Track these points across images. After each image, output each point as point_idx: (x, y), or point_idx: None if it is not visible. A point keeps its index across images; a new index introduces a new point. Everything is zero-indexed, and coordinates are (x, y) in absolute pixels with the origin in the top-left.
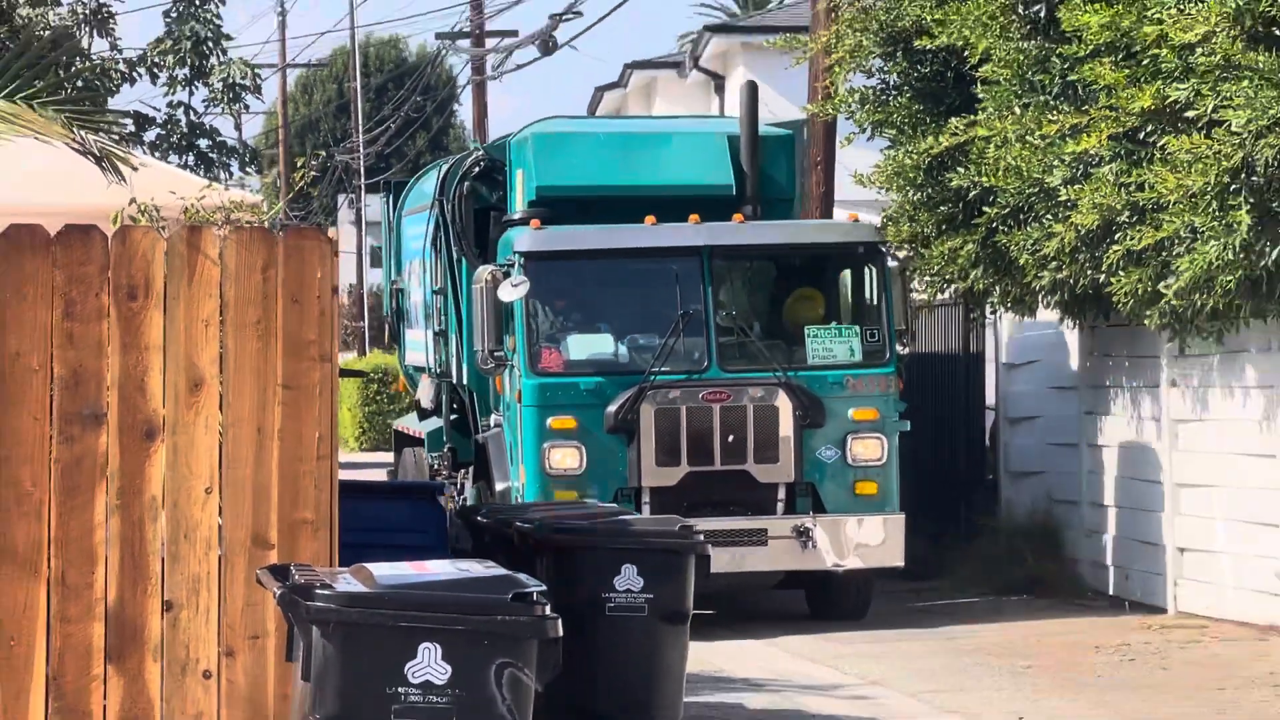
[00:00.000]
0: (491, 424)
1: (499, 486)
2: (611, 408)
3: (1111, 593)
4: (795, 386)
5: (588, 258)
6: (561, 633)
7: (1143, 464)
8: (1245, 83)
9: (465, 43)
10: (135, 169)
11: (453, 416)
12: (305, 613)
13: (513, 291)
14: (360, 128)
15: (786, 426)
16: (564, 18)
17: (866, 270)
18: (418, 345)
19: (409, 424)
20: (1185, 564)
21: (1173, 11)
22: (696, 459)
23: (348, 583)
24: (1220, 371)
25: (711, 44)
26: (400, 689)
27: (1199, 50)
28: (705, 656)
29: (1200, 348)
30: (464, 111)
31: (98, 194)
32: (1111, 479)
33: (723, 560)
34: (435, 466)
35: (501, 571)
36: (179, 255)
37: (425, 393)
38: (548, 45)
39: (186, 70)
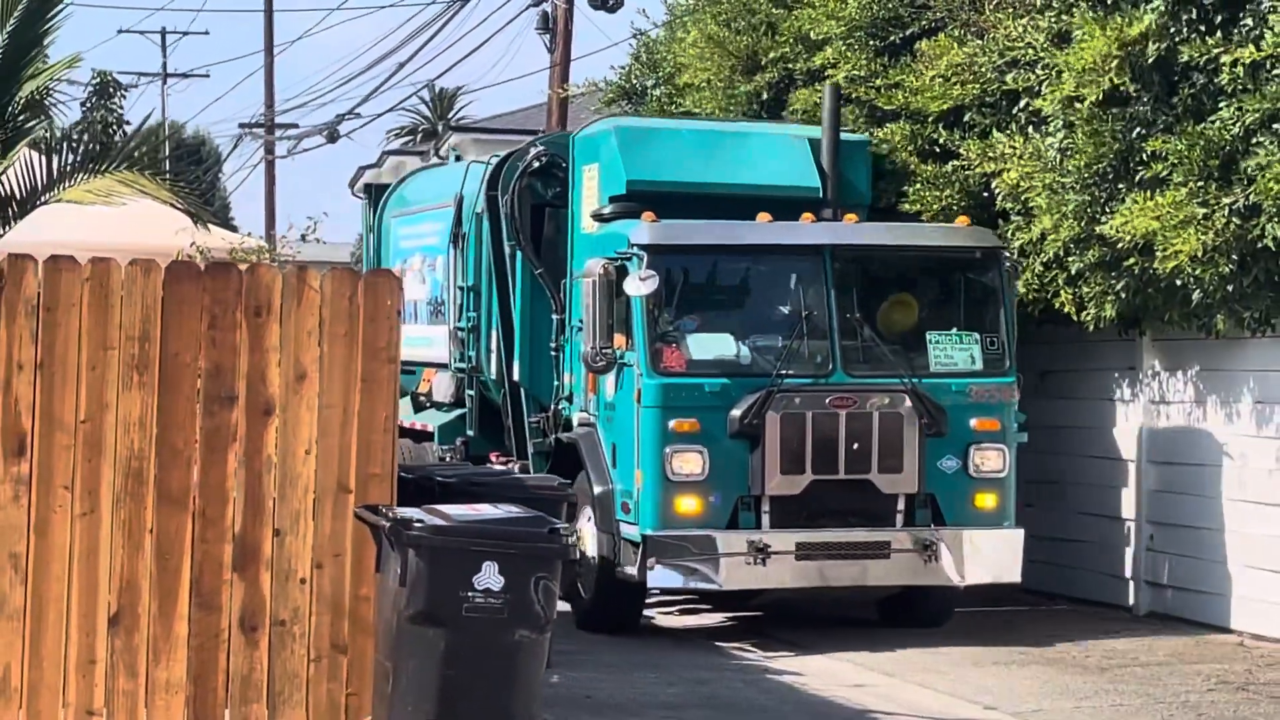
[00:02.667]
0: (577, 424)
1: (598, 490)
2: (736, 411)
3: None
4: (921, 394)
5: (709, 253)
6: (579, 555)
7: None
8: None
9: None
10: (218, 222)
11: (461, 411)
12: (405, 539)
13: (640, 286)
14: None
15: (911, 435)
16: (346, 117)
17: (985, 276)
18: (418, 341)
19: (400, 416)
20: None
21: None
22: (821, 467)
23: (431, 518)
24: None
25: (451, 138)
26: (469, 593)
27: None
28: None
29: None
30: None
31: (166, 237)
32: None
33: (847, 574)
34: (446, 458)
35: (536, 513)
36: (291, 285)
37: (441, 388)
38: (333, 136)
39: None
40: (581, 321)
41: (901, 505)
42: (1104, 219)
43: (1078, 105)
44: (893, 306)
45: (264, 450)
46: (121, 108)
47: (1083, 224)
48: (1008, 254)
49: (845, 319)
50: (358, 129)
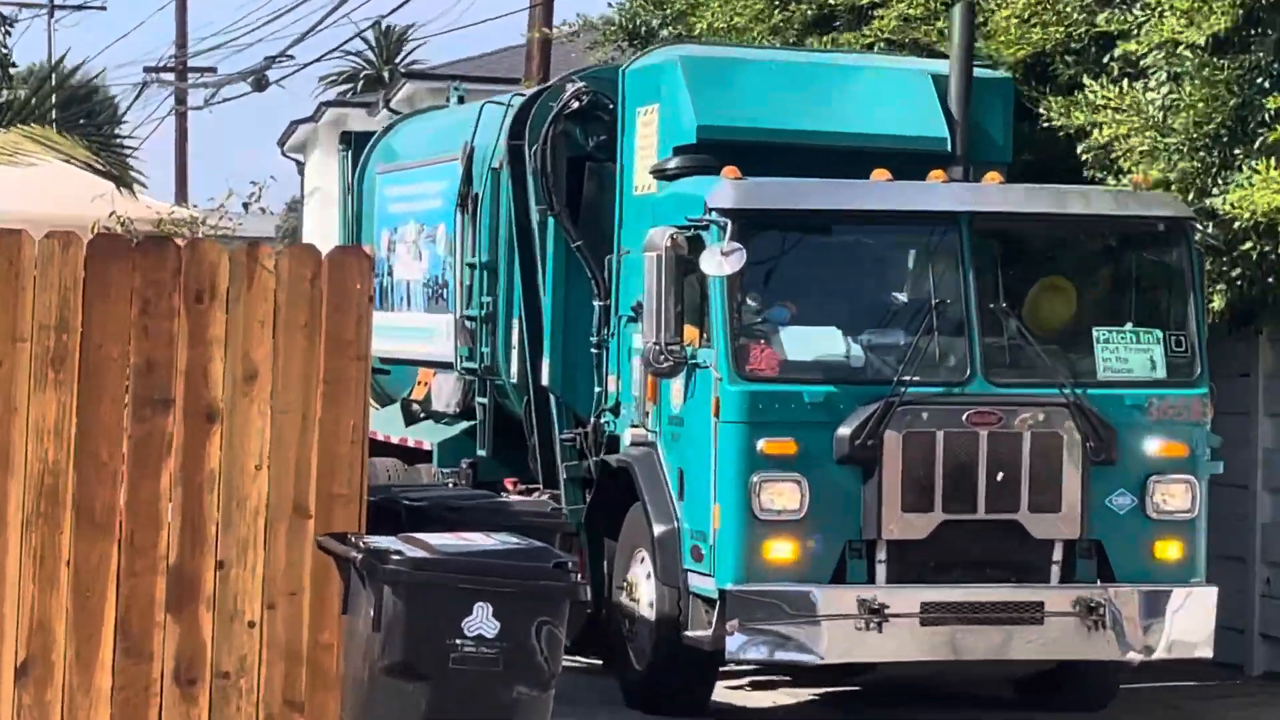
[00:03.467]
0: (629, 443)
1: (659, 530)
2: (846, 429)
3: None
4: (1086, 409)
5: (813, 221)
6: (589, 596)
7: None
8: None
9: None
10: (145, 187)
11: (469, 423)
12: (381, 574)
13: (723, 263)
14: None
15: (1073, 463)
16: (276, 60)
17: (1169, 256)
18: (412, 333)
19: (385, 429)
20: None
21: None
22: (955, 504)
23: (412, 550)
24: None
25: (405, 87)
26: (458, 640)
27: None
28: None
29: None
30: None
31: (80, 206)
32: None
33: (985, 644)
34: (449, 484)
35: (539, 544)
36: (240, 265)
37: (443, 393)
38: (260, 83)
39: None
40: (635, 309)
41: (1059, 554)
42: (1216, 191)
43: (1184, 52)
44: (1047, 294)
45: (205, 464)
46: (6, 46)
47: (1190, 196)
48: (1200, 227)
49: (987, 310)
50: (290, 75)
